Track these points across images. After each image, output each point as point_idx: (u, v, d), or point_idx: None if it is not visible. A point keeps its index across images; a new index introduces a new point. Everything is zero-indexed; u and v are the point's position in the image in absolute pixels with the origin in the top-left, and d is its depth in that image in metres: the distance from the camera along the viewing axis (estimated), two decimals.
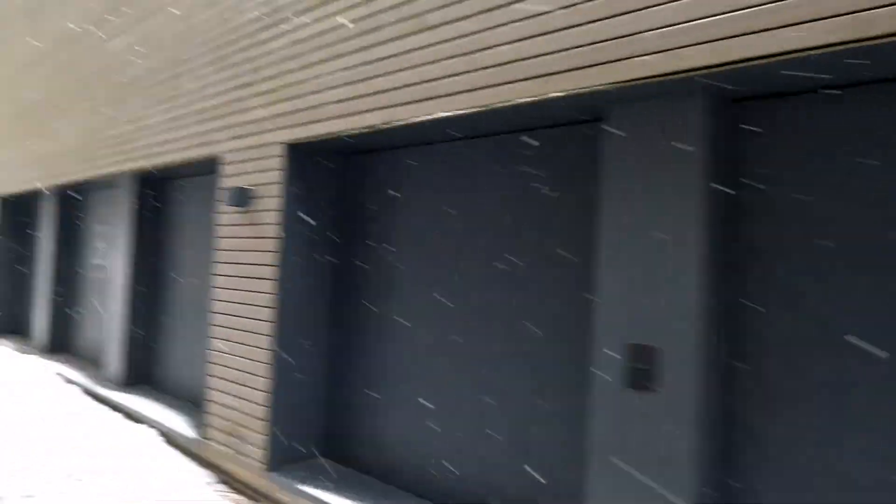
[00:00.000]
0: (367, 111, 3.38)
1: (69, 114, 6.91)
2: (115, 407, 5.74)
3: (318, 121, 3.68)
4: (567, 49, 2.52)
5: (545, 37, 2.59)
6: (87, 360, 7.15)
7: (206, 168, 5.03)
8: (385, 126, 3.29)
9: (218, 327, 4.35)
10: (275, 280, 3.88)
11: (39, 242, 8.25)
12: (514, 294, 3.20)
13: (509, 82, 2.71)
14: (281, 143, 3.95)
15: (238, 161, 4.30)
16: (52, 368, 6.98)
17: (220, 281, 4.37)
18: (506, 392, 3.20)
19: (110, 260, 6.81)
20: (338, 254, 4.18)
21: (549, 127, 3.12)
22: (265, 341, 3.91)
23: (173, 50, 5.18)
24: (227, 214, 4.34)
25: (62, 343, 7.61)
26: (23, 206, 8.94)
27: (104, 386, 6.10)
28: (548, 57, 2.58)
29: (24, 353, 7.69)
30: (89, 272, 7.29)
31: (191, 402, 5.50)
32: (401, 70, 3.21)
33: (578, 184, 2.99)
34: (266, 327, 3.91)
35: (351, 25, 3.52)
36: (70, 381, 6.60)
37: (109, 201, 6.92)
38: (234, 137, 4.35)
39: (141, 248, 5.92)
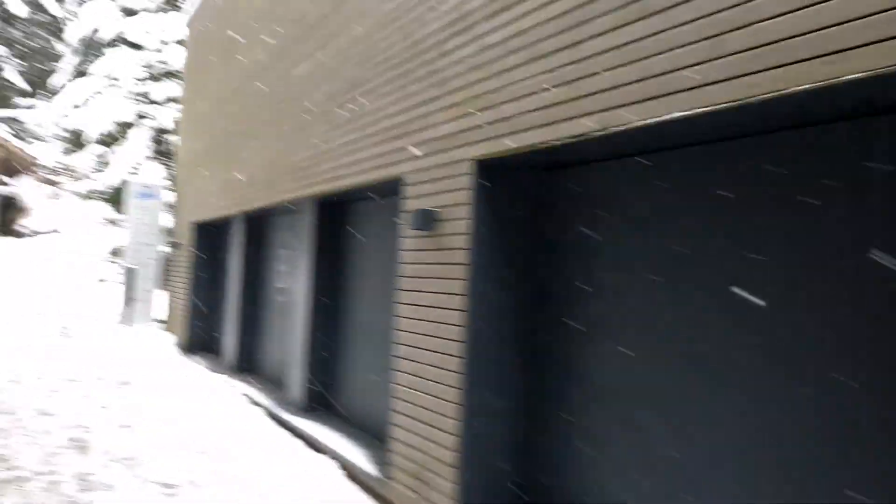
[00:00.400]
0: (575, 117, 2.90)
1: (256, 143, 7.18)
2: (296, 433, 5.71)
3: (514, 132, 3.27)
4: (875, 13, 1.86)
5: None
6: (272, 383, 7.31)
7: (388, 190, 4.83)
8: (599, 133, 2.79)
9: (402, 360, 4.06)
10: (464, 311, 3.50)
11: (228, 266, 8.70)
12: (800, 329, 2.53)
13: (775, 67, 2.09)
14: (469, 159, 3.59)
15: (422, 181, 4.01)
16: (239, 389, 7.22)
17: (403, 310, 4.09)
18: (789, 440, 2.53)
19: (292, 284, 6.93)
20: (535, 280, 3.71)
21: (827, 122, 2.44)
22: (454, 378, 3.53)
23: (354, 71, 5.08)
24: (410, 238, 4.07)
25: (249, 364, 7.90)
26: (214, 232, 9.53)
27: (286, 410, 6.12)
28: (841, 29, 1.94)
29: (214, 372, 8.07)
30: (274, 295, 7.50)
31: (371, 433, 5.30)
32: (620, 66, 2.70)
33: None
34: (455, 363, 3.53)
35: (554, 22, 3.07)
36: (255, 403, 6.75)
37: (292, 227, 7.06)
38: (418, 157, 4.08)
39: (322, 272, 5.90)
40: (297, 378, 6.05)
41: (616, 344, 3.21)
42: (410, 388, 3.93)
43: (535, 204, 3.75)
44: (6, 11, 27.04)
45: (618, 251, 3.26)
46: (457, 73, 3.78)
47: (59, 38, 29.57)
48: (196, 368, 8.40)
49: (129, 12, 21.48)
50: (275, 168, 6.51)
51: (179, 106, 15.75)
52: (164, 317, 11.01)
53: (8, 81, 27.10)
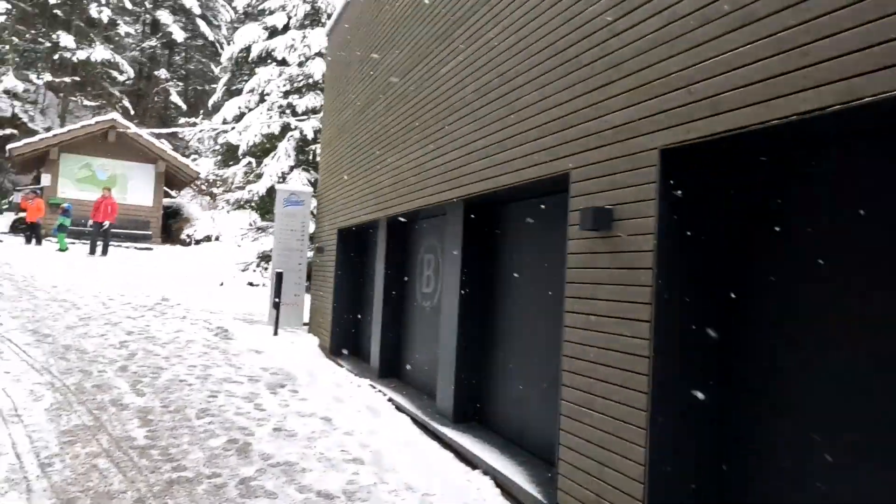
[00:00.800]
0: (801, 91, 2.38)
1: (400, 147, 7.09)
2: (446, 444, 5.49)
3: (714, 114, 2.79)
4: None
5: None
6: (418, 389, 7.18)
7: (547, 188, 4.47)
8: (841, 106, 2.25)
9: (571, 373, 3.67)
10: (648, 322, 3.06)
11: (372, 270, 8.73)
12: None
13: None
14: (652, 149, 3.14)
15: (593, 176, 3.61)
16: (385, 394, 7.15)
17: (571, 318, 3.70)
18: None
19: (440, 289, 6.75)
20: (738, 286, 3.18)
21: None
22: (639, 399, 3.09)
23: (506, 64, 4.77)
24: (579, 240, 3.67)
25: (394, 369, 7.84)
26: (358, 237, 9.64)
27: (434, 419, 5.93)
28: None
29: (359, 376, 8.09)
30: (419, 300, 7.38)
31: (530, 450, 4.96)
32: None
33: None
34: (640, 381, 3.09)
35: None
36: (400, 410, 6.63)
37: (438, 230, 6.89)
38: (588, 149, 3.68)
39: (472, 277, 5.64)
40: (446, 386, 5.83)
41: (836, 366, 2.62)
42: (582, 407, 3.53)
43: (734, 198, 3.22)
44: (169, 38, 29.70)
45: (843, 251, 2.67)
46: (634, 52, 3.34)
47: (215, 61, 32.10)
48: (341, 372, 8.49)
49: (275, 31, 22.77)
50: (421, 170, 6.36)
51: (320, 116, 16.38)
52: (309, 320, 11.35)
53: (171, 102, 29.76)
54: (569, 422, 3.65)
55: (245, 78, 24.79)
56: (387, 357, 7.82)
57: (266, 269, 16.06)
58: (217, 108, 24.77)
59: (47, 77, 25.72)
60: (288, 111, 16.63)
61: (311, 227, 12.25)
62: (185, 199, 23.69)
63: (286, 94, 17.12)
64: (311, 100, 16.37)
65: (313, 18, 17.35)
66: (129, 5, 27.87)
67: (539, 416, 4.79)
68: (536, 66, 4.32)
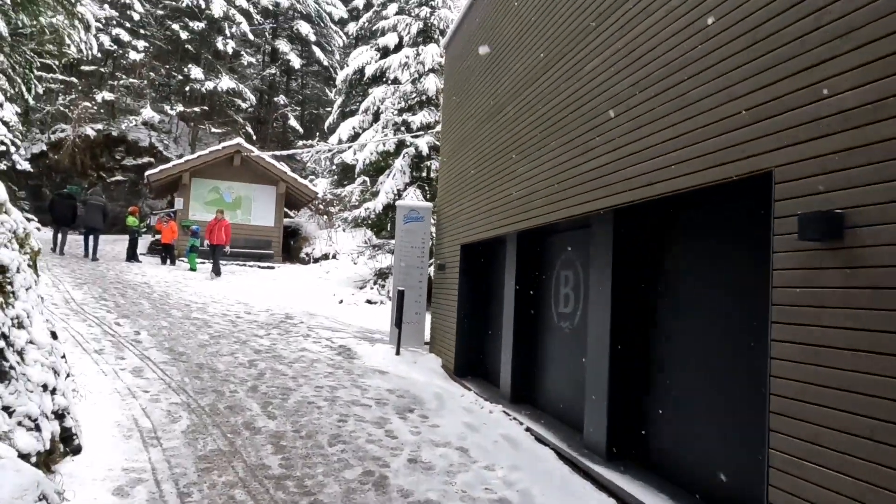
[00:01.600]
0: None
1: (533, 156, 6.59)
2: (602, 486, 4.86)
3: None
4: None
5: None
6: (557, 418, 6.58)
7: (728, 192, 3.80)
8: None
9: (786, 419, 2.98)
10: None
11: (500, 288, 8.26)
12: None
13: None
14: None
15: (811, 174, 2.93)
16: (521, 422, 6.60)
17: (784, 350, 3.02)
18: None
19: (581, 308, 6.15)
20: None
21: None
22: None
23: (674, 52, 4.16)
24: (791, 253, 2.99)
25: (527, 394, 7.29)
26: (483, 253, 9.21)
27: (583, 455, 5.31)
28: None
29: (489, 400, 7.60)
30: (556, 320, 6.80)
31: (710, 499, 4.23)
32: None
33: None
34: None
35: None
36: (541, 441, 6.06)
37: (579, 243, 6.31)
38: (799, 141, 3.01)
39: (625, 295, 5.02)
40: (596, 418, 5.20)
41: None
42: (807, 461, 2.83)
43: None
44: (287, 65, 31.04)
45: None
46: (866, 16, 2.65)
47: (329, 85, 33.25)
48: (469, 396, 8.04)
49: (387, 52, 23.13)
50: (559, 180, 5.81)
51: (436, 131, 16.26)
52: (431, 339, 11.04)
53: (289, 127, 31.04)
54: (785, 478, 2.95)
55: (359, 99, 25.38)
56: (519, 381, 7.29)
57: (383, 286, 16.05)
58: (332, 129, 25.48)
59: (179, 108, 27.53)
60: (403, 128, 16.64)
61: (432, 243, 11.99)
62: (304, 219, 24.42)
63: (400, 112, 17.15)
64: (425, 116, 16.29)
65: (426, 35, 17.34)
66: (251, 36, 29.39)
67: (725, 461, 4.06)
68: (719, 49, 3.68)
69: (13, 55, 7.28)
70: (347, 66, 25.43)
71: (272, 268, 20.27)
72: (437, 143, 16.22)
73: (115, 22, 26.64)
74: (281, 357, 9.39)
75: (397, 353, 10.23)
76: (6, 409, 3.56)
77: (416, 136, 16.25)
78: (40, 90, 26.50)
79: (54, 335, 6.29)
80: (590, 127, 5.29)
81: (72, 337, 9.16)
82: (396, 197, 16.11)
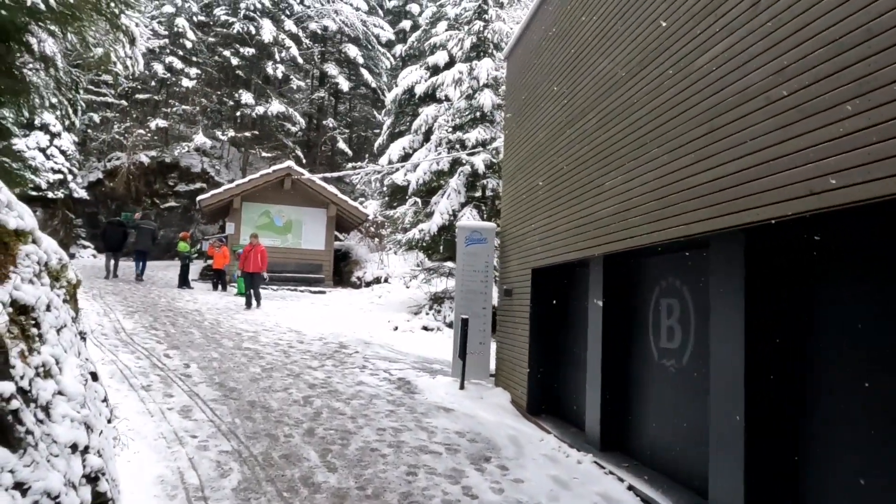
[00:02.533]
0: None
1: (625, 167, 5.73)
2: None
3: None
4: None
5: None
6: (665, 473, 5.61)
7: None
8: None
9: None
10: None
11: (582, 317, 7.37)
12: None
13: None
14: None
15: None
16: (621, 479, 5.66)
17: None
18: None
19: (692, 343, 5.21)
20: None
21: None
22: None
23: (829, 35, 3.28)
24: None
25: (620, 440, 6.34)
26: (559, 277, 8.34)
27: None
28: None
29: (573, 446, 6.68)
30: (656, 357, 5.87)
31: None
32: None
33: None
34: None
35: None
36: None
37: (686, 268, 5.39)
38: None
39: (762, 329, 4.08)
40: (726, 477, 4.24)
41: None
42: None
43: None
44: (335, 88, 30.95)
45: None
46: None
47: (377, 107, 33.05)
48: (550, 440, 7.13)
49: (437, 70, 22.63)
50: (666, 193, 4.94)
51: (493, 148, 15.53)
52: (496, 371, 10.16)
53: (338, 149, 30.86)
54: None
55: (408, 120, 24.95)
56: (610, 426, 6.35)
57: (439, 311, 15.27)
58: (381, 151, 25.08)
59: (231, 133, 27.62)
60: (457, 146, 15.97)
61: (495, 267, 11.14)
62: (354, 242, 23.95)
63: (454, 129, 16.50)
64: (481, 133, 15.58)
65: (479, 50, 16.70)
66: (300, 60, 29.41)
67: None
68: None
69: (58, 74, 6.86)
70: (396, 85, 25.06)
71: (323, 292, 19.76)
72: (495, 160, 15.48)
73: (168, 50, 26.98)
74: (337, 392, 8.67)
75: (461, 387, 9.40)
76: (20, 486, 2.88)
77: (472, 154, 15.54)
78: (97, 119, 27.00)
79: (94, 376, 5.72)
80: (709, 129, 4.42)
81: (119, 371, 8.65)
82: (451, 218, 15.38)
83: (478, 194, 16.01)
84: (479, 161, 15.20)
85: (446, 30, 20.36)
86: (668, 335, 5.61)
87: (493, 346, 10.35)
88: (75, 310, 5.43)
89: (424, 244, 15.80)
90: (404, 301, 17.33)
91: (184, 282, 17.96)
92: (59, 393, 3.84)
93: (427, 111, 19.99)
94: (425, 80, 23.26)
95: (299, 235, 21.37)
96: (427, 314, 15.29)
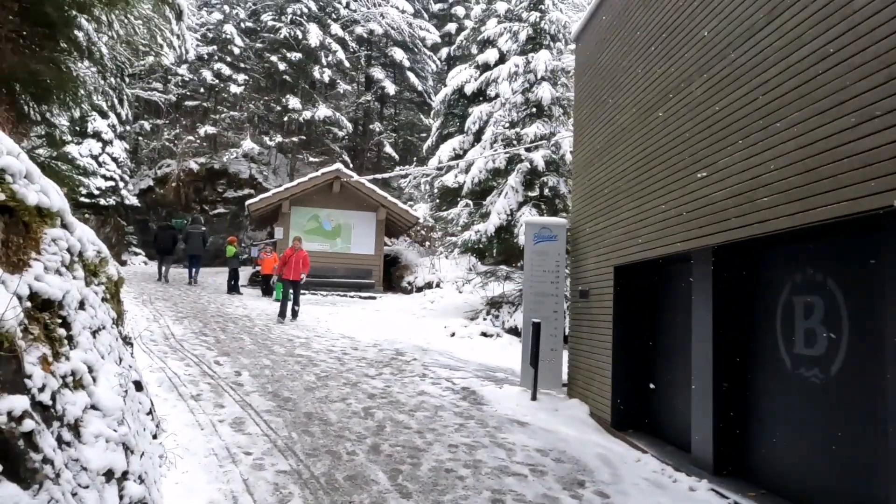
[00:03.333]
0: None
1: (745, 141, 4.82)
2: None
3: None
4: None
5: None
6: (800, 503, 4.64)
7: None
8: None
9: None
10: None
11: (682, 319, 6.44)
12: None
13: None
14: None
15: None
16: None
17: None
18: None
19: (848, 349, 4.27)
20: None
21: None
22: None
23: None
24: None
25: (739, 463, 5.39)
26: (646, 275, 7.43)
27: None
28: None
29: (678, 469, 5.75)
30: (789, 366, 4.91)
31: None
32: None
33: None
34: None
35: None
36: None
37: (836, 257, 4.45)
38: None
39: None
40: None
41: None
42: None
43: None
44: (381, 92, 30.52)
45: None
46: None
47: (423, 111, 32.50)
48: (649, 462, 6.21)
49: (487, 67, 21.87)
50: (818, 164, 4.02)
51: (552, 144, 14.66)
52: (569, 380, 9.27)
53: (384, 154, 30.39)
54: None
55: (457, 121, 24.24)
56: (725, 446, 5.41)
57: (497, 316, 14.43)
58: (430, 152, 24.43)
59: (278, 138, 27.40)
60: (515, 142, 15.14)
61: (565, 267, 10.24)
62: (403, 246, 23.31)
63: (510, 125, 15.68)
64: (539, 128, 14.72)
65: (535, 43, 15.86)
66: (346, 64, 29.08)
67: None
68: None
69: (103, 61, 6.35)
70: (445, 85, 24.39)
71: (374, 298, 19.14)
72: (555, 156, 14.61)
73: (216, 57, 26.95)
74: (399, 403, 7.93)
75: (534, 397, 8.55)
76: None
77: (530, 150, 14.69)
78: (147, 126, 27.14)
79: (139, 385, 5.09)
80: (830, 104, 3.50)
81: (168, 379, 8.09)
82: (509, 218, 14.55)
83: (536, 193, 15.14)
84: (539, 157, 14.34)
85: (499, 23, 19.55)
86: (807, 340, 4.66)
87: (565, 352, 9.45)
88: (118, 311, 4.82)
89: (481, 246, 15.00)
90: (459, 306, 16.55)
91: (233, 287, 17.56)
92: (93, 407, 3.16)
93: (480, 109, 19.22)
94: (475, 80, 22.51)
95: (348, 240, 20.84)
96: (484, 319, 14.47)
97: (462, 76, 23.30)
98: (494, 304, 14.98)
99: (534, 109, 15.46)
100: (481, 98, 21.65)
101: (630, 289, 7.54)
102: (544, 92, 14.72)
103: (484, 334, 13.47)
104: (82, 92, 8.08)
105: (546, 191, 15.09)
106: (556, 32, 15.97)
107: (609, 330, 7.68)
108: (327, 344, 11.74)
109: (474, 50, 24.56)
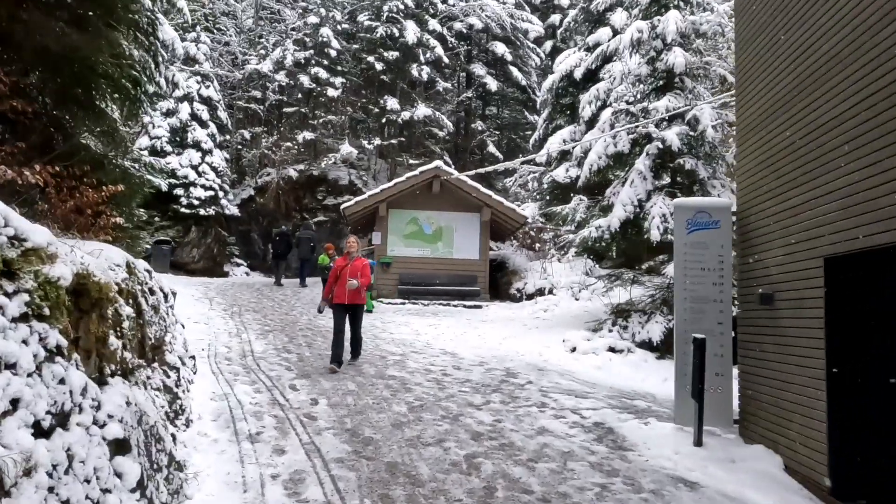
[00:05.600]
0: None
1: None
2: None
3: None
4: None
5: None
6: None
7: None
8: None
9: None
10: None
11: None
12: None
13: None
14: None
15: None
16: None
17: None
18: None
19: None
20: None
21: None
22: None
23: None
24: None
25: None
26: (874, 267, 4.99)
27: None
28: None
29: None
30: None
31: None
32: None
33: None
34: None
35: None
36: None
37: None
38: None
39: None
40: None
41: None
42: None
43: None
44: (483, 89, 28.74)
45: None
46: None
47: (528, 107, 30.42)
48: None
49: (598, 47, 19.51)
50: None
51: (689, 118, 12.13)
52: (741, 416, 6.85)
53: (487, 153, 28.55)
54: None
55: (567, 112, 21.99)
56: None
57: (625, 327, 12.06)
58: (538, 146, 22.32)
59: (377, 141, 26.27)
60: (635, 123, 12.75)
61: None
62: (509, 250, 21.29)
63: (635, 101, 13.31)
64: (671, 101, 12.25)
65: (660, 4, 13.38)
66: (445, 60, 27.56)
67: None
68: None
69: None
70: (553, 72, 22.23)
71: (479, 307, 17.25)
72: (692, 133, 12.09)
73: (313, 61, 26.27)
74: (513, 447, 5.93)
75: (698, 442, 6.26)
76: None
77: (661, 126, 12.26)
78: (247, 135, 26.86)
79: (122, 446, 3.41)
80: None
81: (229, 410, 6.55)
82: (637, 209, 12.18)
83: (667, 181, 12.67)
84: (672, 135, 11.88)
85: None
86: None
87: (743, 379, 7.03)
88: (71, 333, 3.18)
89: (603, 244, 12.69)
90: (577, 315, 14.29)
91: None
92: None
93: (596, 87, 17.00)
94: (585, 63, 20.22)
95: (450, 244, 19.09)
96: (610, 331, 12.16)
97: (571, 60, 21.05)
98: (621, 312, 12.62)
99: (661, 82, 13.01)
100: (593, 83, 19.32)
101: (853, 290, 5.12)
102: (676, 58, 12.24)
103: (612, 349, 11.18)
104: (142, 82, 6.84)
105: (679, 177, 12.59)
106: None
107: (817, 350, 5.29)
108: (425, 362, 9.94)
109: (582, 34, 22.25)
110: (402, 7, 26.65)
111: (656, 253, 12.82)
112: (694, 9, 13.30)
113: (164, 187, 19.29)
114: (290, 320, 13.55)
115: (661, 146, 12.16)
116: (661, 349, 11.44)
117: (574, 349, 11.32)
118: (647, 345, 11.53)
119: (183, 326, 8.06)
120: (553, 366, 10.27)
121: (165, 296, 6.18)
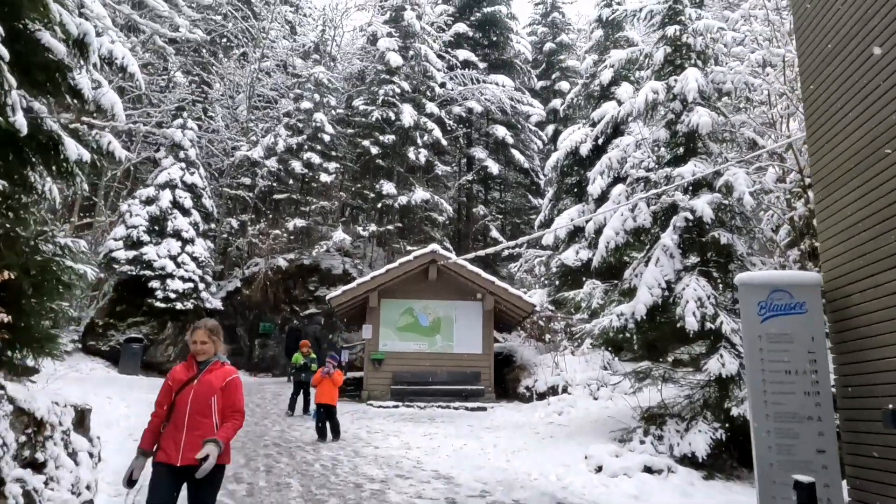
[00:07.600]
0: None
1: None
2: None
3: None
4: None
5: None
6: None
7: None
8: None
9: None
10: None
11: None
12: None
13: None
14: None
15: None
16: None
17: None
18: None
19: None
20: None
21: None
22: None
23: None
24: None
25: None
26: None
27: None
28: None
29: None
30: None
31: None
32: None
33: None
34: None
35: None
36: None
37: None
38: None
39: None
40: None
41: None
42: None
43: None
44: (484, 172, 27.58)
45: None
46: None
47: (531, 191, 29.17)
48: None
49: (604, 121, 18.22)
50: None
51: (721, 186, 10.40)
52: None
53: (490, 239, 26.97)
54: None
55: (573, 189, 20.55)
56: None
57: (660, 437, 9.81)
58: (544, 227, 20.70)
59: (372, 227, 24.75)
60: (655, 192, 11.04)
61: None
62: (517, 342, 19.19)
63: (649, 171, 11.67)
64: (698, 166, 10.59)
65: (674, 65, 11.99)
66: (443, 142, 26.50)
67: None
68: None
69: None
70: (556, 149, 20.94)
71: (483, 409, 14.99)
72: (726, 202, 10.33)
73: (306, 147, 25.20)
74: None
75: None
76: None
77: (689, 193, 10.53)
78: (235, 224, 25.41)
79: None
80: None
81: None
82: (665, 293, 10.24)
83: (696, 259, 10.80)
84: (703, 204, 10.11)
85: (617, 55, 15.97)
86: None
87: None
88: None
89: (628, 333, 10.63)
90: (597, 420, 12.03)
91: (294, 405, 13.75)
92: None
93: (608, 156, 15.53)
94: (591, 137, 18.93)
95: (450, 336, 17.05)
96: (642, 442, 9.89)
97: (576, 136, 19.78)
98: (653, 417, 10.41)
99: (682, 149, 11.42)
100: (598, 155, 17.93)
101: None
102: (700, 117, 10.67)
103: (648, 469, 8.89)
104: None
105: (711, 253, 10.72)
106: (703, 49, 12.07)
107: None
108: (413, 491, 7.72)
109: (585, 114, 21.16)
110: (398, 91, 25.87)
111: (685, 342, 10.83)
112: (713, 66, 11.88)
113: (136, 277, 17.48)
114: (258, 433, 11.37)
115: (689, 217, 10.38)
116: (708, 465, 9.18)
117: (600, 468, 9.04)
118: (689, 460, 9.25)
119: (99, 458, 6.09)
120: (576, 496, 7.98)
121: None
